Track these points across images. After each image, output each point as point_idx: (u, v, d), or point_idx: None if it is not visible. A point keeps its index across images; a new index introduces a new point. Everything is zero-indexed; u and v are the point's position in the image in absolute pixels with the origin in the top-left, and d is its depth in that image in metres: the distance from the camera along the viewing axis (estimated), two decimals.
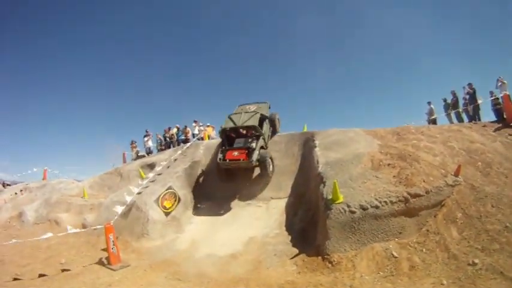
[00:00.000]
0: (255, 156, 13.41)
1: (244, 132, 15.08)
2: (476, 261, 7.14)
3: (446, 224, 8.52)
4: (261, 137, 14.36)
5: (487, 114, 15.99)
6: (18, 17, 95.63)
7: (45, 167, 23.57)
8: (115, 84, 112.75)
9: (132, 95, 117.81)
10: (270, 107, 17.15)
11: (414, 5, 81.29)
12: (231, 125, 14.99)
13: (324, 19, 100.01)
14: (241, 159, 13.57)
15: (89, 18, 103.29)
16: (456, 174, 9.83)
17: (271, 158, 14.17)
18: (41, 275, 9.38)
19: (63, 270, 9.73)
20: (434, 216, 8.79)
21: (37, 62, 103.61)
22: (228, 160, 13.80)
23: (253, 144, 13.97)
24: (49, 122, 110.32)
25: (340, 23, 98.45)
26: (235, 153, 13.95)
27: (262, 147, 14.34)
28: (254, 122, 14.53)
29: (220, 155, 14.12)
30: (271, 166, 14.06)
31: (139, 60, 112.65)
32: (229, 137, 15.19)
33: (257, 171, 14.63)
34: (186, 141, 19.91)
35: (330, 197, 9.27)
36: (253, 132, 14.65)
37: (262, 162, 13.67)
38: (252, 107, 16.03)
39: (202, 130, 20.63)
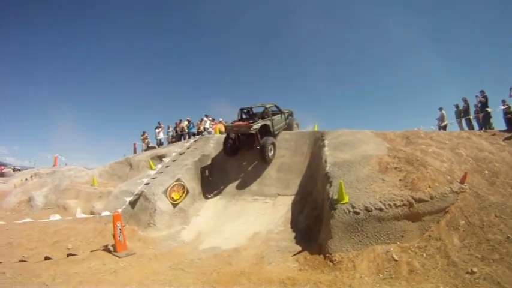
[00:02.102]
0: (255, 126, 14.26)
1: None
2: (475, 269, 7.12)
3: (449, 230, 8.53)
4: (267, 118, 15.33)
5: (499, 123, 16.00)
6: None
7: (56, 154, 23.93)
8: (128, 74, 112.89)
9: (144, 86, 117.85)
10: (292, 115, 18.79)
11: (427, 10, 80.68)
12: (248, 106, 16.77)
13: (338, 23, 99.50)
14: (243, 125, 14.62)
15: (102, 12, 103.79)
16: (462, 181, 9.84)
17: (273, 144, 14.98)
18: (46, 258, 9.52)
19: (69, 255, 9.88)
20: (437, 222, 8.81)
21: (49, 50, 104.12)
22: (232, 125, 15.10)
23: (259, 120, 14.95)
24: (59, 109, 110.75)
25: (354, 27, 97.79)
26: (241, 123, 15.15)
27: (268, 131, 15.19)
28: (267, 105, 16.04)
29: (229, 123, 15.56)
30: (271, 152, 14.83)
31: (152, 53, 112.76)
32: (244, 119, 16.28)
33: (268, 165, 14.99)
34: (197, 134, 20.16)
35: (335, 197, 9.30)
36: (264, 117, 15.55)
37: (262, 146, 14.37)
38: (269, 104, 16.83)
39: (213, 124, 20.90)
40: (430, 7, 78.92)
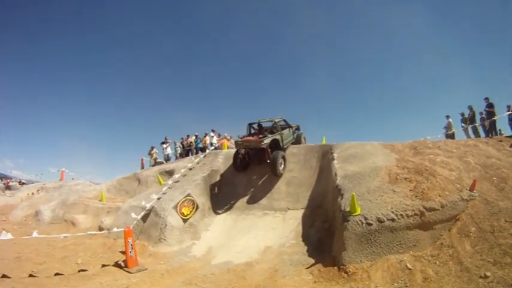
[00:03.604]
0: (266, 140, 14.20)
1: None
2: (488, 274, 7.24)
3: (460, 237, 8.63)
4: (277, 133, 15.29)
5: (504, 129, 16.11)
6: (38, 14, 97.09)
7: (62, 168, 23.98)
8: (134, 90, 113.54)
9: (150, 101, 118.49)
10: (299, 128, 18.76)
11: (436, 17, 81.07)
12: (256, 121, 16.67)
13: (345, 35, 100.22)
14: (253, 140, 14.53)
15: (105, 24, 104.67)
16: (471, 189, 9.97)
17: (283, 158, 15.04)
18: (57, 274, 9.57)
19: (79, 271, 9.92)
20: (449, 230, 8.93)
21: (55, 63, 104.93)
22: (242, 140, 14.95)
23: (269, 135, 14.89)
24: (65, 124, 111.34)
25: (361, 30, 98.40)
26: (250, 137, 15.17)
27: (277, 145, 15.12)
28: (276, 120, 15.97)
29: (238, 138, 15.45)
30: (282, 165, 14.88)
31: (157, 67, 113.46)
32: (253, 134, 16.38)
33: (277, 179, 15.00)
34: (204, 149, 20.21)
35: (347, 209, 9.37)
36: (273, 131, 15.54)
37: (273, 160, 14.37)
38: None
39: (219, 139, 20.97)
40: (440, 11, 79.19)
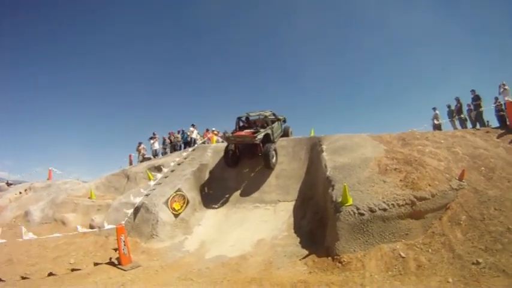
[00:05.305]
0: (259, 135, 14.27)
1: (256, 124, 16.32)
2: (480, 260, 7.45)
3: (451, 225, 8.82)
4: (268, 127, 15.40)
5: (491, 120, 16.30)
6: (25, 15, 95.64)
7: (49, 167, 23.66)
8: (119, 86, 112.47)
9: (137, 96, 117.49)
10: (285, 121, 18.88)
11: (423, 8, 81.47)
12: (245, 115, 16.86)
13: (332, 27, 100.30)
14: (247, 135, 14.57)
15: (94, 23, 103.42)
16: (460, 178, 10.17)
17: (275, 151, 15.15)
18: (50, 274, 9.51)
19: (73, 270, 9.87)
20: (440, 219, 9.10)
21: (41, 63, 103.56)
22: (235, 136, 14.92)
23: (260, 130, 14.93)
24: (50, 122, 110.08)
25: (348, 30, 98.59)
26: (243, 133, 15.17)
27: (268, 139, 15.20)
28: (266, 113, 16.25)
29: (229, 134, 15.23)
30: (274, 158, 14.99)
31: (144, 61, 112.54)
32: (242, 127, 16.54)
33: (267, 172, 15.06)
34: (189, 143, 20.09)
35: (339, 199, 9.47)
36: (264, 125, 15.74)
37: (265, 153, 14.47)
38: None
39: (209, 133, 20.88)
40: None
